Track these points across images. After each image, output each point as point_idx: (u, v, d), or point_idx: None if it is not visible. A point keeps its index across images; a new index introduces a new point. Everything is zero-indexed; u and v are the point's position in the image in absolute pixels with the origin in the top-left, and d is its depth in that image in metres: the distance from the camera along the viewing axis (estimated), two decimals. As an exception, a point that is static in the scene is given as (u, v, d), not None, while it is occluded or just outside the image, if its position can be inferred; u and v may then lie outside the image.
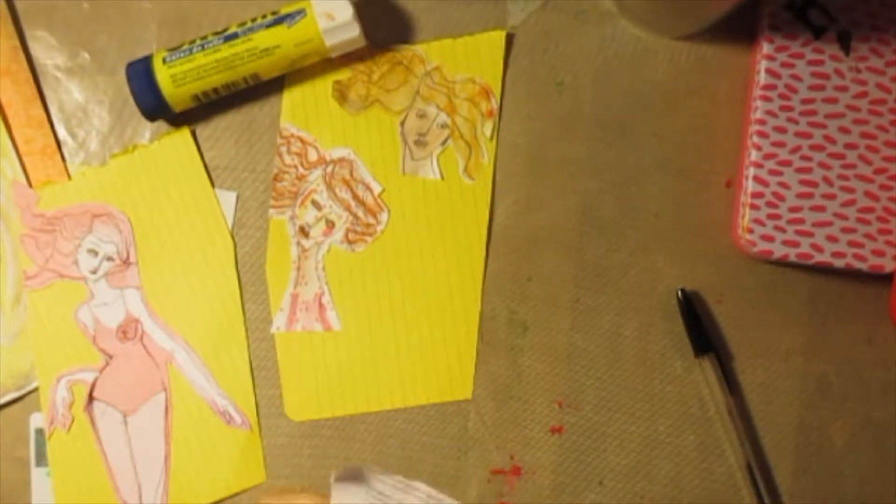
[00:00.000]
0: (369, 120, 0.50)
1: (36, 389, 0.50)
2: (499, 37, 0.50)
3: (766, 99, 0.48)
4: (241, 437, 0.50)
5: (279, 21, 0.47)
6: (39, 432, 0.50)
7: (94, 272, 0.50)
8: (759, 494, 0.47)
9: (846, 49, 0.48)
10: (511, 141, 0.50)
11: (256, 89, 0.50)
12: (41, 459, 0.50)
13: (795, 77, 0.48)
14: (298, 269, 0.50)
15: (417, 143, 0.50)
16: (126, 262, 0.50)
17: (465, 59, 0.50)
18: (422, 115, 0.50)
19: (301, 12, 0.47)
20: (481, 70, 0.50)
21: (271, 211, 0.50)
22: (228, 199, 0.50)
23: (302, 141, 0.50)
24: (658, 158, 0.50)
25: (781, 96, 0.48)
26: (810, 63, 0.48)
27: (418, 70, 0.50)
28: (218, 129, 0.51)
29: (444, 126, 0.50)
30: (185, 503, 0.49)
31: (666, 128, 0.50)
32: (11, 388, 0.50)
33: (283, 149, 0.50)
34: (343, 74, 0.50)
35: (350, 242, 0.50)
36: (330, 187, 0.49)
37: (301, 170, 0.50)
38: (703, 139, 0.50)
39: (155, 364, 0.50)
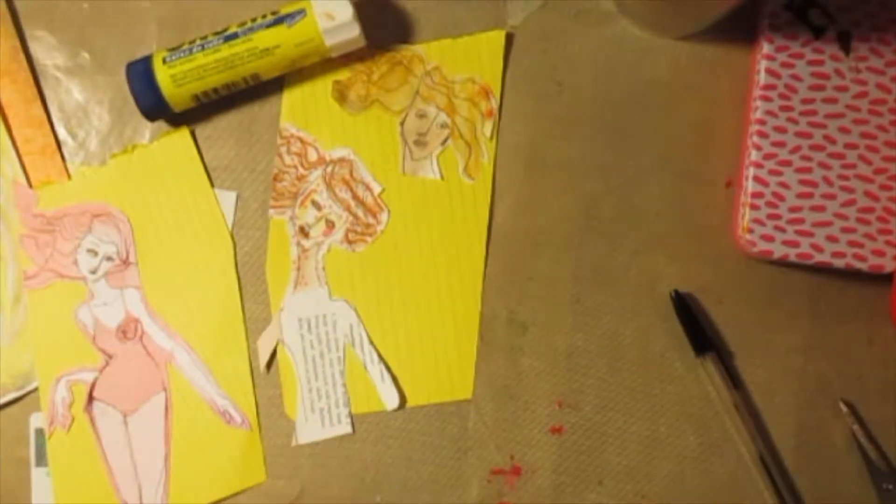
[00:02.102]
0: (369, 120, 0.50)
1: (36, 389, 0.50)
2: (498, 37, 0.50)
3: (766, 99, 0.48)
4: (241, 437, 0.50)
5: (279, 21, 0.47)
6: (39, 432, 0.50)
7: (93, 272, 0.50)
8: (774, 484, 0.47)
9: (846, 49, 0.48)
10: (511, 141, 0.50)
11: (256, 89, 0.50)
12: (41, 459, 0.50)
13: (795, 77, 0.48)
14: (298, 269, 0.50)
15: (417, 142, 0.50)
16: (126, 262, 0.50)
17: (465, 59, 0.50)
18: (421, 115, 0.50)
19: (301, 12, 0.47)
20: (481, 70, 0.50)
21: (271, 211, 0.50)
22: (228, 199, 0.50)
23: (302, 141, 0.50)
24: (658, 158, 0.50)
25: (781, 96, 0.48)
26: (810, 63, 0.48)
27: (418, 70, 0.50)
28: (218, 129, 0.51)
29: (443, 126, 0.50)
30: (185, 503, 0.49)
31: (666, 128, 0.50)
32: (11, 388, 0.50)
33: (283, 149, 0.50)
34: (343, 74, 0.50)
35: (350, 242, 0.50)
36: (330, 187, 0.49)
37: (301, 170, 0.50)
38: (703, 139, 0.50)
39: (155, 364, 0.50)
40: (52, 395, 0.50)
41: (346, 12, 0.47)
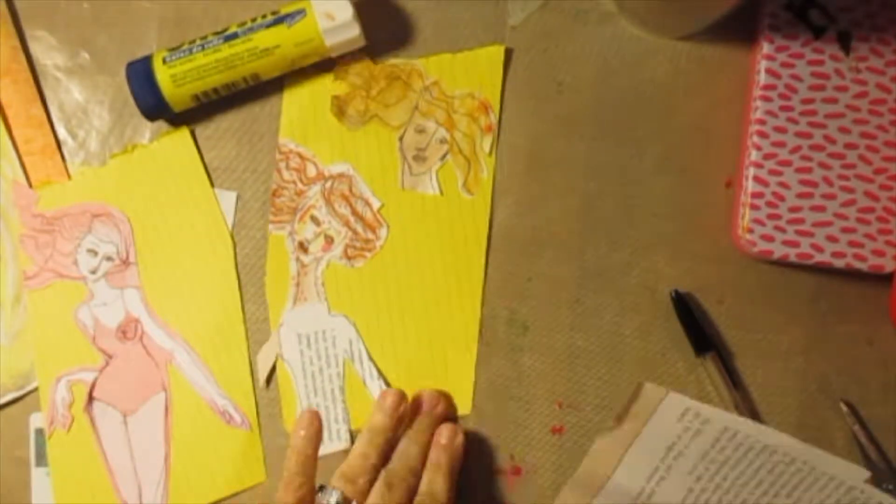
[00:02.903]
0: (368, 135, 0.50)
1: (36, 389, 0.50)
2: (498, 52, 0.50)
3: (766, 99, 0.48)
4: (241, 437, 0.50)
5: (279, 21, 0.47)
6: (39, 432, 0.50)
7: (93, 272, 0.50)
8: None
9: (846, 49, 0.48)
10: (511, 141, 0.50)
11: (256, 89, 0.50)
12: (41, 459, 0.50)
13: (795, 77, 0.48)
14: (298, 284, 0.50)
15: (416, 158, 0.49)
16: (125, 262, 0.50)
17: (464, 73, 0.50)
18: (420, 131, 0.49)
19: (301, 12, 0.47)
20: (480, 85, 0.50)
21: (270, 226, 0.50)
22: (228, 199, 0.50)
23: (301, 156, 0.50)
24: (658, 158, 0.50)
25: (781, 96, 0.48)
26: (810, 63, 0.48)
27: (417, 85, 0.50)
28: (218, 129, 0.51)
29: (442, 141, 0.49)
30: (185, 503, 0.49)
31: (666, 128, 0.50)
32: (11, 388, 0.50)
33: (282, 164, 0.50)
34: (341, 89, 0.50)
35: (349, 258, 0.49)
36: (329, 203, 0.49)
37: (300, 185, 0.50)
38: (703, 139, 0.50)
39: (155, 364, 0.50)
40: (52, 395, 0.50)
41: (346, 12, 0.47)
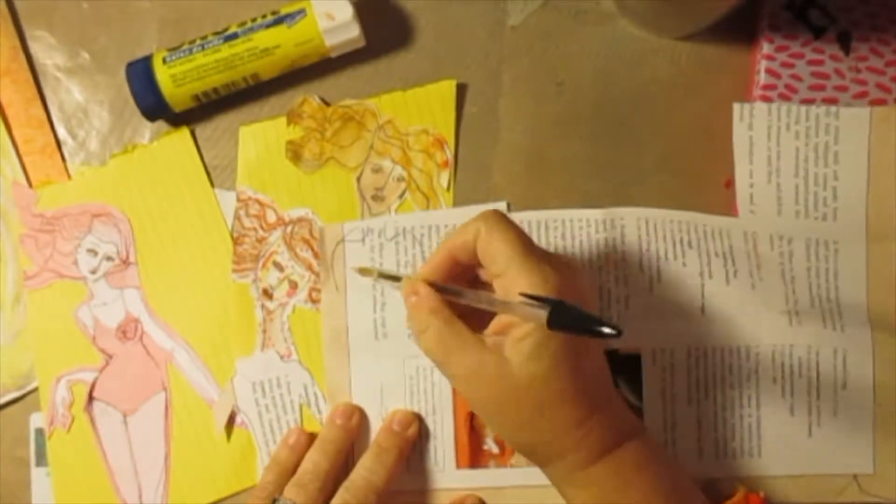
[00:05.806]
0: (325, 178, 0.50)
1: (36, 389, 0.50)
2: (449, 87, 0.49)
3: (766, 99, 0.48)
4: (241, 437, 0.50)
5: (279, 21, 0.47)
6: (39, 432, 0.50)
7: (93, 272, 0.50)
8: None
9: (846, 49, 0.48)
10: (511, 141, 0.50)
11: (256, 89, 0.50)
12: (41, 459, 0.50)
13: (795, 77, 0.48)
14: (265, 331, 0.49)
15: (375, 197, 0.49)
16: (126, 262, 0.50)
17: (417, 110, 0.49)
18: (377, 170, 0.49)
19: (301, 12, 0.47)
20: (433, 121, 0.49)
21: (233, 275, 0.50)
22: (228, 199, 0.50)
23: (260, 203, 0.50)
24: (658, 158, 0.50)
25: (781, 96, 0.48)
26: (810, 63, 0.48)
27: (371, 124, 0.49)
28: (218, 129, 0.51)
29: (400, 179, 0.49)
30: (185, 503, 0.49)
31: (666, 128, 0.50)
32: (11, 388, 0.50)
33: (242, 212, 0.50)
34: (296, 134, 0.50)
35: (314, 301, 0.49)
36: (291, 248, 0.49)
37: (261, 232, 0.49)
38: (703, 139, 0.50)
39: (155, 364, 0.50)
40: (52, 395, 0.50)
41: (346, 12, 0.47)
